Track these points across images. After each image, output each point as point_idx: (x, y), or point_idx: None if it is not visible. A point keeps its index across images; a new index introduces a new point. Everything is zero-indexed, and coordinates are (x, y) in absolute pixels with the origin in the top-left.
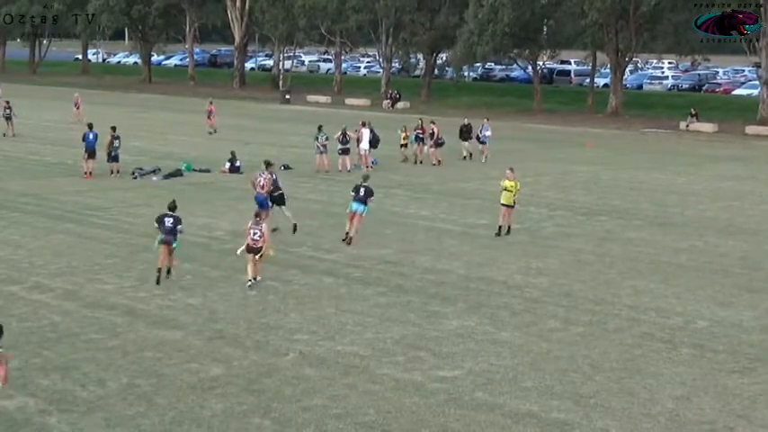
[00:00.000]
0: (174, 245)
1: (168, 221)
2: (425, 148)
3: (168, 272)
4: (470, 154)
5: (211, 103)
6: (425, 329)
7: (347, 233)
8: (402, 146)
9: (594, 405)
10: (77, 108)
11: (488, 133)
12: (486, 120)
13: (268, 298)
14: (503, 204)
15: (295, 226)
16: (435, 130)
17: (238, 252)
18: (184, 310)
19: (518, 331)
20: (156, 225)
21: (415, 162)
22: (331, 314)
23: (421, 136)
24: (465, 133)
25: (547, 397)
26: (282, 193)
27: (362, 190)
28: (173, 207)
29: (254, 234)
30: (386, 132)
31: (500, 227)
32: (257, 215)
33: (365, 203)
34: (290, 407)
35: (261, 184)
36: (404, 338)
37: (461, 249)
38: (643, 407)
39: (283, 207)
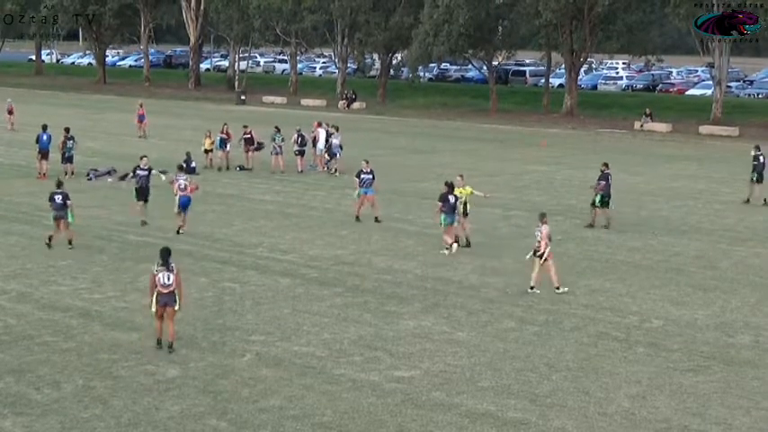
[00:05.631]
0: (70, 219)
1: (57, 198)
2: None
3: (70, 243)
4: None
5: (141, 105)
6: (382, 330)
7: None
8: (206, 151)
9: (551, 404)
10: None
11: (334, 141)
12: (334, 129)
13: (224, 299)
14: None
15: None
16: (250, 133)
17: None
18: (140, 311)
19: (474, 331)
20: (49, 203)
21: (219, 169)
22: (287, 315)
23: (225, 140)
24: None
25: (503, 396)
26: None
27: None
28: (59, 184)
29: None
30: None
31: (455, 237)
32: None
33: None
34: (247, 408)
35: (182, 186)
36: (360, 339)
37: (417, 249)
38: (599, 406)
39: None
